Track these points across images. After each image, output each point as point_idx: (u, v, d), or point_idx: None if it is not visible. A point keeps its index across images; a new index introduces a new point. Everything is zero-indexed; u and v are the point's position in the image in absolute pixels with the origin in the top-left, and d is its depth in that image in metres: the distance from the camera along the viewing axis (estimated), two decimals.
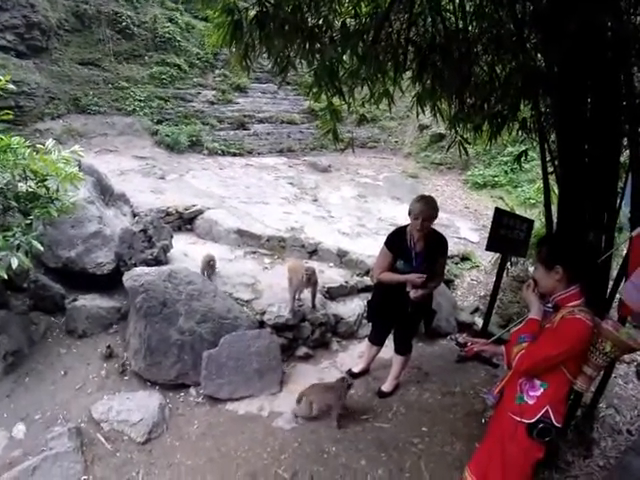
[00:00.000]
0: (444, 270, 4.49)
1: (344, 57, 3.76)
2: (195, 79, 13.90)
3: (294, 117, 15.16)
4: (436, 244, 4.32)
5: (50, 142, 4.66)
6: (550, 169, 4.51)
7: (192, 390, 5.00)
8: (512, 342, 2.83)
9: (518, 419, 2.72)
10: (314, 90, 3.99)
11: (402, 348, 4.88)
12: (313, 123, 15.18)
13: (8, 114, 4.55)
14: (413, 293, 4.25)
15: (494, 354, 3.08)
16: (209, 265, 6.08)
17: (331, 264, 7.41)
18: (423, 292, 4.25)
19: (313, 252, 7.62)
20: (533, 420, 2.67)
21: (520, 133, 5.09)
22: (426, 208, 4.12)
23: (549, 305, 2.80)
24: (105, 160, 10.15)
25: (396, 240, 4.40)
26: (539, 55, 4.21)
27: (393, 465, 4.06)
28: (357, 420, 4.61)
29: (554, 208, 4.24)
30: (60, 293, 5.68)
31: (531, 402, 2.69)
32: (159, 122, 12.71)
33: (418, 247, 4.31)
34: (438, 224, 10.15)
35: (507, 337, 3.01)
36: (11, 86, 4.59)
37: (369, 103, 4.59)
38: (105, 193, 6.91)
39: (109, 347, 5.23)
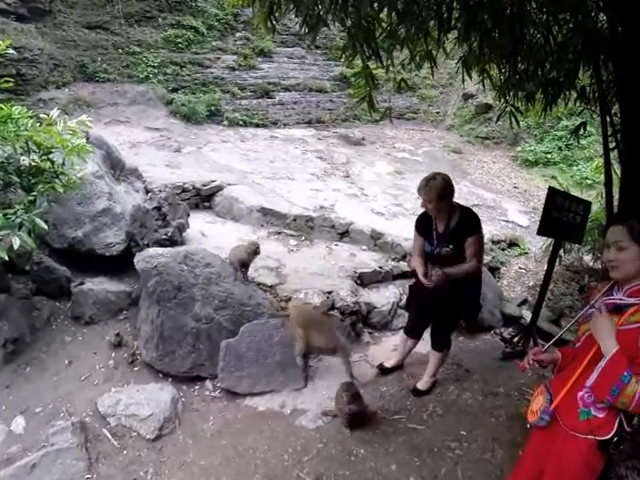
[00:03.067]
0: (479, 251, 4.33)
1: (381, 14, 3.70)
2: (214, 43, 13.89)
3: (324, 84, 15.05)
4: (463, 223, 4.28)
5: (55, 112, 4.68)
6: (612, 145, 4.41)
7: (208, 383, 5.03)
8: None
9: (590, 437, 2.58)
10: (347, 53, 3.93)
11: (439, 343, 4.84)
12: (345, 91, 15.05)
13: (8, 82, 4.56)
14: (434, 276, 4.22)
15: (553, 362, 2.94)
16: (253, 255, 5.64)
17: (364, 247, 7.39)
18: (442, 274, 4.20)
19: (344, 233, 7.60)
20: (611, 435, 2.55)
21: (578, 104, 4.99)
22: (424, 190, 4.17)
23: (616, 296, 2.69)
24: (115, 131, 10.25)
25: (423, 221, 4.50)
26: (601, 14, 4.09)
27: (427, 471, 4.02)
28: (388, 420, 4.58)
29: (615, 190, 4.14)
30: (65, 276, 5.73)
31: (602, 415, 2.56)
32: (174, 90, 12.76)
33: (440, 228, 4.34)
34: (484, 205, 10.15)
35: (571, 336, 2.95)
36: (12, 52, 4.63)
37: (409, 68, 4.53)
38: (115, 167, 6.96)
39: (118, 335, 5.29)
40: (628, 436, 2.60)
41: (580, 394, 2.64)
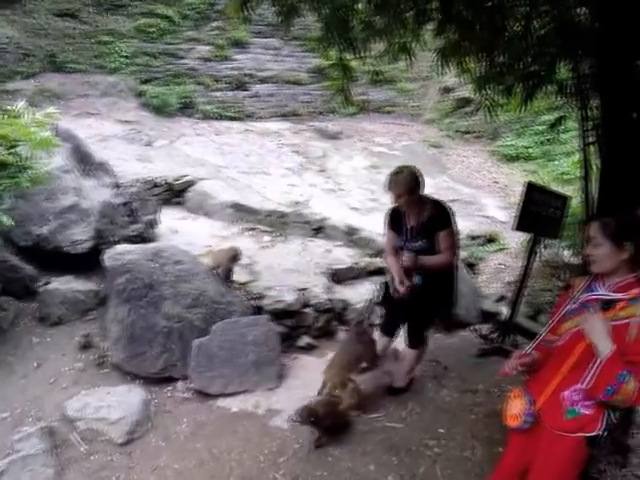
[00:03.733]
0: (452, 245, 4.33)
1: (357, 5, 3.70)
2: (187, 32, 13.79)
3: (300, 77, 15.04)
4: (434, 217, 4.29)
5: (21, 103, 4.61)
6: (590, 139, 4.44)
7: (180, 384, 4.98)
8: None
9: (580, 435, 2.61)
10: (322, 44, 3.93)
11: (414, 341, 4.84)
12: (322, 84, 14.97)
13: None
14: (405, 257, 4.26)
15: (534, 364, 2.94)
16: (232, 262, 5.72)
17: (339, 243, 7.41)
18: (413, 256, 4.23)
19: (319, 229, 7.63)
20: (600, 431, 2.58)
21: (557, 98, 5.01)
22: (393, 185, 4.19)
23: (600, 292, 2.71)
24: (85, 124, 10.13)
25: (393, 216, 4.53)
26: (581, 8, 4.12)
27: (405, 470, 4.03)
28: (365, 419, 4.58)
29: (594, 184, 4.18)
30: (31, 275, 5.64)
31: (589, 412, 2.59)
32: (146, 82, 12.66)
33: (411, 221, 4.36)
34: (462, 201, 10.20)
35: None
36: None
37: (385, 60, 4.53)
38: (84, 161, 6.84)
39: (86, 336, 5.22)
40: (607, 432, 2.63)
41: (565, 393, 2.66)
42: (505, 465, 3.02)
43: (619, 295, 2.61)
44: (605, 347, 2.49)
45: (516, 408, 2.81)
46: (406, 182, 4.14)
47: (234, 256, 5.54)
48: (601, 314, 2.59)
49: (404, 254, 4.29)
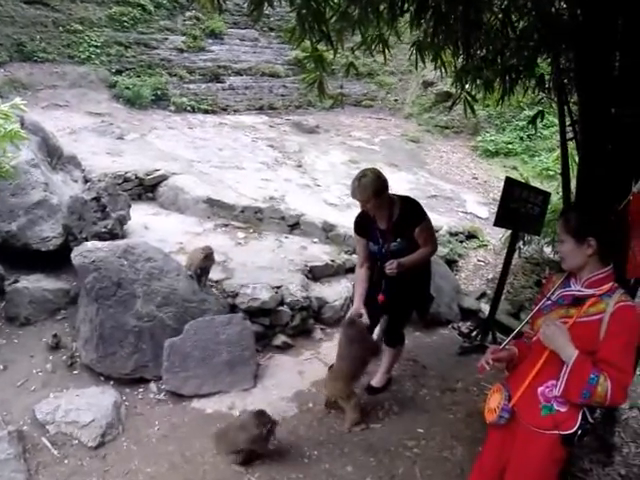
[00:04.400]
0: (430, 239, 4.36)
1: None
2: (161, 22, 13.59)
3: (277, 69, 14.94)
4: (405, 214, 4.31)
5: None
6: (570, 134, 4.49)
7: (152, 385, 4.96)
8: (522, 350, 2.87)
9: (555, 432, 2.62)
10: (295, 34, 3.91)
11: (391, 339, 4.87)
12: (299, 76, 14.86)
13: None
14: (388, 267, 4.21)
15: (510, 359, 2.96)
16: (206, 261, 5.60)
17: (315, 239, 7.41)
18: (398, 263, 4.19)
19: (295, 225, 7.63)
20: (575, 429, 2.60)
21: (537, 92, 5.05)
22: (358, 191, 4.16)
23: (574, 288, 2.74)
24: (53, 116, 10.02)
25: (362, 223, 4.51)
26: (560, 2, 4.16)
27: (384, 472, 4.06)
28: (342, 419, 4.59)
29: (574, 180, 4.22)
30: None
31: (564, 409, 2.60)
32: (118, 72, 12.48)
33: (382, 224, 4.36)
34: (442, 196, 10.25)
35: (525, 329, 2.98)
36: None
37: (362, 51, 4.52)
38: (52, 155, 6.80)
39: (56, 336, 5.16)
40: (590, 430, 2.67)
41: (540, 389, 2.68)
42: (483, 462, 3.03)
43: (591, 291, 2.63)
44: (569, 353, 2.52)
45: (494, 402, 2.82)
46: (372, 185, 4.12)
47: (207, 255, 5.50)
48: (555, 323, 2.61)
49: (387, 264, 4.23)
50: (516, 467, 2.77)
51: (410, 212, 4.31)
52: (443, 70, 4.86)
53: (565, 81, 4.52)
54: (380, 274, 4.36)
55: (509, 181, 5.68)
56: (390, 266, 4.19)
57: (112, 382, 4.90)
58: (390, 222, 4.30)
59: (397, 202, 4.33)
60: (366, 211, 4.34)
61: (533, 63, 4.53)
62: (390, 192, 4.35)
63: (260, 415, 4.09)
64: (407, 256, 4.25)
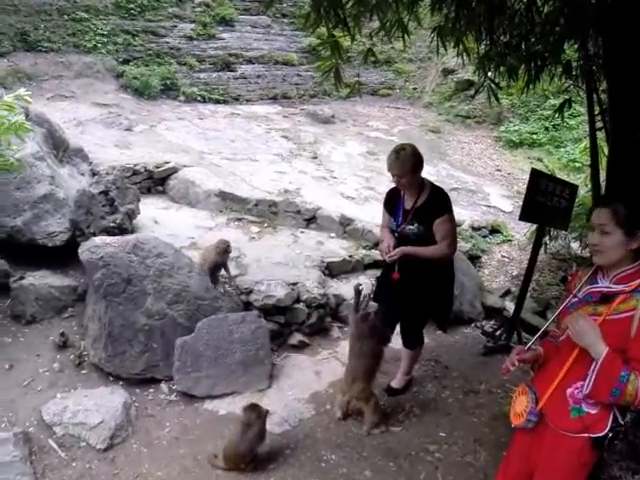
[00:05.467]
0: (450, 235, 4.31)
1: None
2: (170, 9, 13.62)
3: (291, 57, 14.94)
4: (431, 201, 4.30)
5: None
6: (599, 124, 4.44)
7: (163, 386, 4.98)
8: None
9: (585, 435, 2.58)
10: (310, 20, 3.89)
11: (410, 341, 4.87)
12: (314, 64, 14.84)
13: None
14: (388, 256, 4.26)
15: (537, 360, 2.93)
16: (223, 256, 5.69)
17: (332, 234, 7.40)
18: (400, 251, 4.22)
19: (311, 219, 7.62)
20: (606, 431, 2.55)
21: (564, 80, 5.00)
22: (397, 164, 4.17)
23: (602, 284, 2.70)
24: (59, 108, 10.06)
25: (391, 198, 4.57)
26: None
27: (404, 477, 4.05)
28: (361, 422, 4.59)
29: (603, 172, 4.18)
30: (3, 270, 5.57)
31: (594, 411, 2.57)
32: (125, 62, 12.51)
33: (408, 204, 4.37)
34: (464, 189, 10.20)
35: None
36: None
37: (379, 37, 4.49)
38: (58, 148, 6.83)
39: (63, 335, 5.18)
40: (621, 435, 2.62)
41: (569, 390, 2.64)
42: (509, 467, 3.01)
43: (620, 287, 2.58)
44: (599, 350, 2.47)
45: (520, 406, 2.79)
46: (411, 160, 4.14)
47: (225, 249, 5.50)
48: (584, 318, 2.56)
49: (387, 257, 4.28)
50: (544, 471, 2.74)
51: (437, 201, 4.30)
52: (465, 57, 4.82)
53: (593, 68, 4.48)
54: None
55: (535, 173, 5.62)
56: (390, 255, 4.23)
57: (121, 382, 4.91)
58: (415, 204, 4.31)
59: (428, 187, 4.33)
60: (398, 187, 4.38)
61: (559, 49, 4.47)
62: (425, 177, 4.37)
63: (250, 408, 4.10)
64: (416, 247, 4.25)
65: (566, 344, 2.70)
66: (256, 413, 4.07)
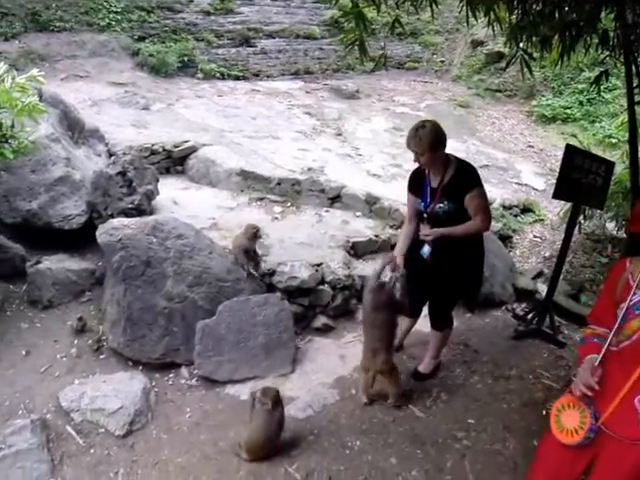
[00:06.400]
0: (483, 208, 4.27)
1: None
2: None
3: (313, 30, 14.86)
4: (459, 176, 4.26)
5: (1, 67, 4.57)
6: (638, 98, 4.38)
7: (184, 370, 5.02)
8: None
9: None
10: None
11: (438, 322, 4.86)
12: (337, 38, 14.76)
13: None
14: (422, 233, 4.29)
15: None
16: (253, 240, 5.56)
17: (358, 213, 7.40)
18: (434, 232, 4.23)
19: (335, 198, 7.61)
20: None
21: (600, 51, 4.93)
22: (414, 141, 4.14)
23: None
24: (74, 88, 10.12)
25: (415, 178, 4.54)
26: None
27: (430, 465, 4.05)
28: (387, 408, 4.61)
29: None
30: (20, 255, 5.66)
31: None
32: (141, 39, 12.56)
33: (434, 182, 4.34)
34: (494, 166, 10.12)
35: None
36: None
37: (404, 8, 4.46)
38: (73, 129, 6.87)
39: (81, 319, 5.24)
40: None
41: (638, 398, 2.57)
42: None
43: None
44: None
45: (573, 422, 2.68)
46: (429, 137, 4.10)
47: (254, 234, 5.44)
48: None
49: (421, 232, 4.28)
50: None
51: (464, 176, 4.26)
52: (495, 27, 4.76)
53: (632, 38, 4.40)
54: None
55: (570, 149, 5.56)
56: (424, 232, 4.24)
57: (141, 367, 4.97)
58: (442, 182, 4.27)
59: (454, 163, 4.29)
60: (421, 167, 4.36)
61: (596, 18, 4.41)
62: (449, 153, 4.34)
63: (265, 393, 4.08)
64: (450, 227, 4.23)
65: (632, 351, 2.61)
66: (273, 398, 4.05)
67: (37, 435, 4.10)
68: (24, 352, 4.99)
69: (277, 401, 4.06)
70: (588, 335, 2.89)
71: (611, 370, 2.67)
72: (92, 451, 4.18)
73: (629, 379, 2.56)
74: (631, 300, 2.64)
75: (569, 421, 2.69)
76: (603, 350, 2.68)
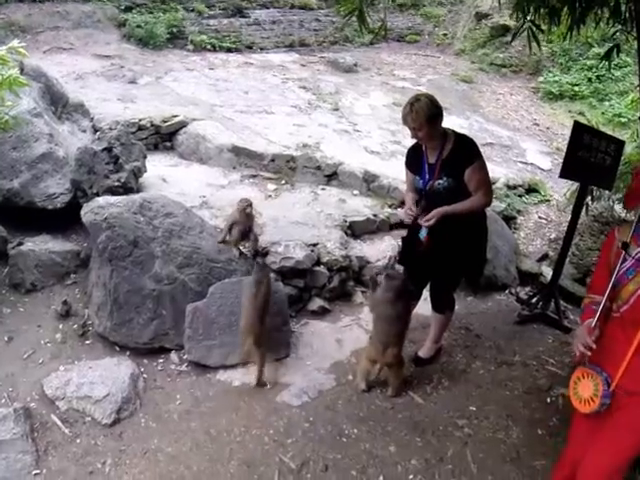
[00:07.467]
0: (484, 182, 4.29)
1: None
2: None
3: (309, 0, 14.80)
4: (457, 150, 4.25)
5: None
6: None
7: (173, 355, 5.02)
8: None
9: None
10: None
11: (439, 304, 4.86)
12: (334, 8, 14.64)
13: None
14: (424, 221, 4.25)
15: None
16: (245, 217, 5.50)
17: (355, 191, 7.41)
18: (437, 212, 4.20)
19: (332, 175, 7.62)
20: None
21: (611, 25, 4.89)
22: (410, 116, 4.13)
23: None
24: (57, 61, 10.10)
25: (412, 155, 4.55)
26: None
27: (431, 453, 4.07)
28: (385, 394, 4.62)
29: None
30: (1, 236, 5.59)
31: None
32: (127, 9, 12.50)
33: (431, 158, 4.33)
34: (498, 144, 10.11)
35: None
36: None
37: None
38: (57, 103, 6.85)
39: (66, 303, 5.22)
40: None
41: None
42: (570, 457, 3.03)
43: None
44: None
45: (588, 391, 2.79)
46: (426, 110, 4.09)
47: (244, 208, 5.29)
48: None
49: (421, 221, 4.27)
50: (614, 436, 2.79)
51: (463, 149, 4.25)
52: None
53: None
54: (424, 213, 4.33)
55: (578, 126, 5.55)
56: (426, 219, 4.21)
57: (128, 352, 4.96)
58: (440, 157, 4.27)
59: (451, 137, 4.28)
60: (419, 143, 4.36)
61: None
62: (446, 127, 4.32)
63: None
64: (452, 205, 4.21)
65: (631, 315, 2.73)
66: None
67: (21, 425, 4.07)
68: (6, 338, 4.96)
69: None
70: (587, 304, 3.02)
71: (616, 335, 2.81)
72: (78, 441, 4.17)
73: (634, 339, 2.68)
74: (624, 265, 2.77)
75: (585, 391, 2.80)
76: (598, 312, 2.79)
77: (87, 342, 5.04)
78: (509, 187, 8.44)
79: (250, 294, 4.65)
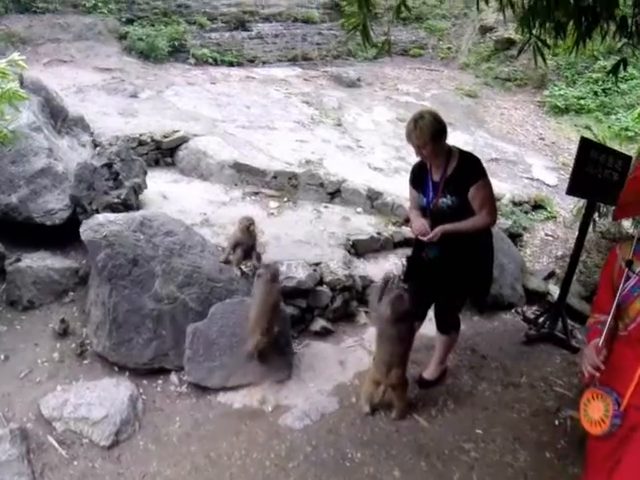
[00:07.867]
0: (488, 200, 4.27)
1: None
2: None
3: (312, 14, 14.87)
4: (462, 168, 4.24)
5: None
6: None
7: (173, 377, 5.00)
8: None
9: None
10: None
11: (444, 324, 4.84)
12: (337, 22, 14.79)
13: None
14: (427, 239, 4.25)
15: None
16: (247, 235, 5.52)
17: (359, 209, 7.40)
18: (440, 229, 4.19)
19: (335, 193, 7.61)
20: None
21: (617, 38, 4.90)
22: (415, 134, 4.14)
23: None
24: (57, 74, 10.11)
25: (417, 172, 4.54)
26: None
27: (436, 478, 4.04)
28: (390, 417, 4.59)
29: None
30: None
31: None
32: (129, 22, 12.56)
33: (436, 176, 4.33)
34: (503, 160, 10.13)
35: None
36: None
37: None
38: (57, 117, 6.86)
39: (63, 321, 5.21)
40: None
41: None
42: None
43: None
44: None
45: (598, 412, 2.78)
46: (430, 127, 4.09)
47: (247, 227, 5.37)
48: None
49: (425, 240, 4.27)
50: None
51: (468, 167, 4.25)
52: (506, 12, 4.73)
53: None
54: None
55: (585, 142, 5.55)
56: (429, 237, 4.22)
57: (127, 373, 4.94)
58: (444, 175, 4.26)
59: (455, 154, 4.28)
60: (423, 160, 4.36)
61: (613, 3, 4.38)
62: (450, 144, 4.32)
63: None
64: (454, 223, 4.21)
65: (638, 332, 2.74)
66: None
67: (17, 446, 4.05)
68: (3, 356, 4.95)
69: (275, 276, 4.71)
70: (592, 324, 3.03)
71: (624, 353, 2.80)
72: (75, 463, 4.14)
73: None
74: (630, 283, 2.78)
75: (595, 412, 2.79)
76: (604, 332, 2.79)
77: (85, 362, 5.02)
78: (515, 204, 8.45)
79: (264, 287, 4.70)
